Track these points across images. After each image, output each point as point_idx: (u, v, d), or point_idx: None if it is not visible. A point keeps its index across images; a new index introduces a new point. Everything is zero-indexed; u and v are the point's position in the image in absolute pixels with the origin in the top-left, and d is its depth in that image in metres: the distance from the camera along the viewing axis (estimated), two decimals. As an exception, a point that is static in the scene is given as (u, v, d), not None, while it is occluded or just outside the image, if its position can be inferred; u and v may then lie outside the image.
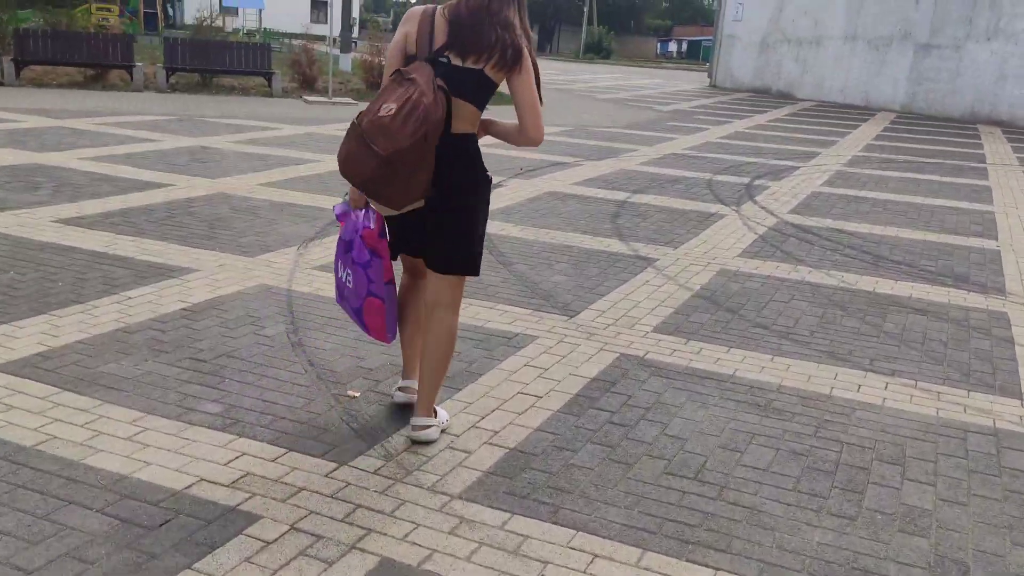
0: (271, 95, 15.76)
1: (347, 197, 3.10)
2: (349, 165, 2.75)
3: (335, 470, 2.92)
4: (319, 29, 49.61)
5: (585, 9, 57.68)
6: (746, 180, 9.62)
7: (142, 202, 6.63)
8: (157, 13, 38.65)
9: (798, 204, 8.31)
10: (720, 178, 9.65)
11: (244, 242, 5.70)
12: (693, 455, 3.20)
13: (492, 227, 6.56)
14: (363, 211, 3.03)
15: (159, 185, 7.32)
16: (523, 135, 2.92)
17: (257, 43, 16.80)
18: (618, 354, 4.16)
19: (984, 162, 12.54)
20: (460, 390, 3.63)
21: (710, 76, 29.91)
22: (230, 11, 45.28)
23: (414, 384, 3.32)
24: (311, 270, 5.18)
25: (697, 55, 67.12)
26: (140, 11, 37.67)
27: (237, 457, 2.96)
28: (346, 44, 23.16)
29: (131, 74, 15.02)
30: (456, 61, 2.84)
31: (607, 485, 2.94)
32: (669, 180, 9.31)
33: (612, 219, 7.18)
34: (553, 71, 33.85)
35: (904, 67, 22.13)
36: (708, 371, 4.02)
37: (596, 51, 55.85)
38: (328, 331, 4.20)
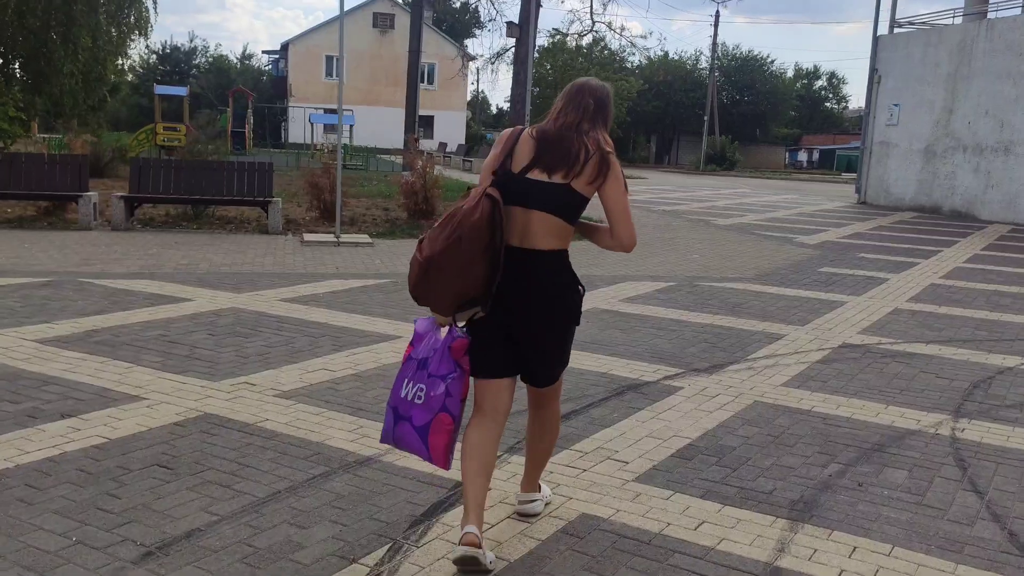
0: (267, 231, 11.78)
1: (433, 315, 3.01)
2: (408, 277, 2.90)
3: None
4: (427, 144, 47.60)
5: (706, 119, 53.37)
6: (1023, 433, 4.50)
7: None
8: (245, 132, 36.66)
9: None
10: (968, 432, 4.57)
11: None
12: None
13: None
14: (449, 328, 2.93)
15: None
16: (615, 240, 2.99)
17: (256, 161, 12.96)
18: None
19: None
20: None
21: (858, 191, 24.54)
22: (332, 128, 43.71)
23: (475, 531, 2.84)
24: None
25: (830, 164, 61.62)
26: (228, 130, 35.84)
27: None
28: (409, 161, 19.37)
29: (77, 206, 11.33)
30: (541, 176, 2.89)
31: None
32: (867, 446, 4.30)
33: None
34: (667, 186, 29.34)
35: None
36: None
37: (719, 162, 51.07)
38: None
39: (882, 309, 8.11)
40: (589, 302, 7.51)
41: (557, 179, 2.86)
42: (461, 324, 2.94)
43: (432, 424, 2.88)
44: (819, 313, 7.76)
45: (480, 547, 2.80)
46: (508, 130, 3.03)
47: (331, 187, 12.95)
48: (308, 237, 11.11)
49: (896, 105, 22.82)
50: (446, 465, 2.97)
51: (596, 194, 2.95)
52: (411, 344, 2.98)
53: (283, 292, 7.54)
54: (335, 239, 10.96)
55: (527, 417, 3.28)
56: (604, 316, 7.20)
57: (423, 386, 2.89)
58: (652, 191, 25.86)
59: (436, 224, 2.83)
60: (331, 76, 53.59)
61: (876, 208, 22.28)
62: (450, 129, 53.71)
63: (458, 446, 3.03)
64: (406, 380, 2.94)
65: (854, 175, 48.66)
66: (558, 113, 2.97)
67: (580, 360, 5.46)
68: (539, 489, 3.36)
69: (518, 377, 3.08)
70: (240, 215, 12.94)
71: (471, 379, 2.99)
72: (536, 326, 2.94)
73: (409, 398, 2.91)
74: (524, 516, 3.27)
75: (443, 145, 44.25)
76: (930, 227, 17.40)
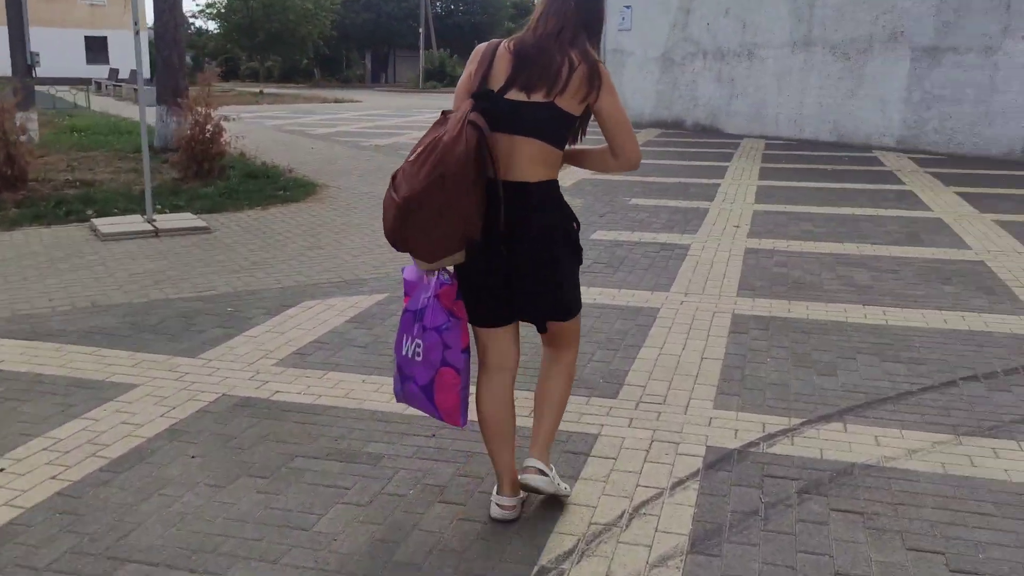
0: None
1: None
2: (383, 219, 2.52)
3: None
4: (99, 72, 39.06)
5: (421, 31, 49.43)
6: None
7: None
8: None
9: None
10: None
11: None
12: None
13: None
14: (436, 274, 2.60)
15: None
16: (619, 159, 2.64)
17: None
18: None
19: None
20: None
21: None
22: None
23: (511, 501, 2.76)
24: None
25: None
26: None
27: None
28: (26, 98, 13.44)
29: None
30: (521, 96, 2.53)
31: None
32: None
33: None
34: (383, 110, 25.46)
35: (897, 83, 15.00)
36: None
37: (439, 78, 47.70)
38: None
39: (716, 324, 5.05)
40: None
41: (538, 98, 2.51)
42: (445, 269, 2.58)
43: (436, 381, 2.61)
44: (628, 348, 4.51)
45: (517, 512, 2.76)
46: (483, 44, 2.63)
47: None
48: (109, 225, 6.59)
49: (627, 7, 20.43)
50: (460, 423, 2.69)
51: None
52: (405, 295, 2.67)
53: None
54: (151, 227, 6.72)
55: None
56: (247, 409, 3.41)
57: (419, 341, 2.61)
58: (366, 118, 21.88)
59: (411, 156, 2.43)
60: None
61: (616, 125, 19.99)
62: (129, 53, 45.12)
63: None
64: (405, 336, 2.65)
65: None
66: (537, 19, 2.59)
67: None
68: (547, 459, 2.86)
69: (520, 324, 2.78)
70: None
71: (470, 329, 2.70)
72: (526, 266, 2.60)
73: (409, 356, 2.64)
74: (524, 488, 2.80)
75: (114, 72, 36.37)
76: (682, 147, 15.15)
